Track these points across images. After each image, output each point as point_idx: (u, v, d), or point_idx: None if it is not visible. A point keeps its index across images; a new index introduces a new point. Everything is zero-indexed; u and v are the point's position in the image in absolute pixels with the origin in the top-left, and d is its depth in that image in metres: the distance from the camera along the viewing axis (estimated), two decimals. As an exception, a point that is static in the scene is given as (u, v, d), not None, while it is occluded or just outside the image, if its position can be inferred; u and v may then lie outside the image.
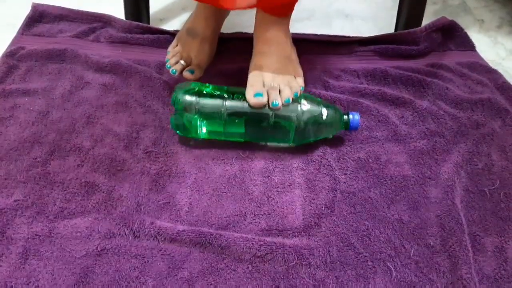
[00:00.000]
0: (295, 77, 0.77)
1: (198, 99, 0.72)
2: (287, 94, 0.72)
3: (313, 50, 0.96)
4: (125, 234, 0.63)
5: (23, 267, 0.59)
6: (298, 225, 0.65)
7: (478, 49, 1.00)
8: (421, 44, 0.98)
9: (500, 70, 0.94)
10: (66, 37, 0.96)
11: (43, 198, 0.67)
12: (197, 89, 0.74)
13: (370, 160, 0.75)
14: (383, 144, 0.77)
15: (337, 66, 0.93)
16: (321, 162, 0.73)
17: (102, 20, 1.00)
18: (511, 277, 0.61)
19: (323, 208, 0.67)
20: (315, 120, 0.73)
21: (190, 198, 0.68)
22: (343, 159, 0.75)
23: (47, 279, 0.58)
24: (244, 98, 0.72)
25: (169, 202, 0.68)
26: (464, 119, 0.82)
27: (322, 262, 0.61)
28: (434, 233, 0.65)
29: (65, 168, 0.71)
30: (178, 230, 0.63)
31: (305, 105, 0.73)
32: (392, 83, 0.89)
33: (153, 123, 0.79)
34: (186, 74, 0.86)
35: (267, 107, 0.71)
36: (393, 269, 0.61)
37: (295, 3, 0.77)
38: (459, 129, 0.80)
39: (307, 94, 0.77)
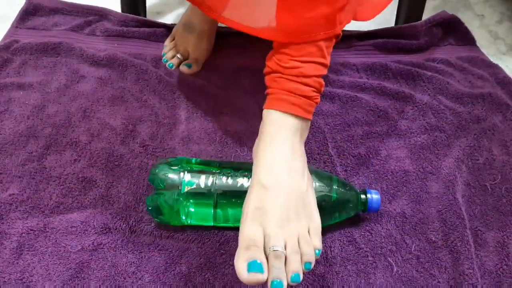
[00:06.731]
0: (309, 231, 0.52)
1: (183, 175, 0.61)
2: (296, 269, 0.48)
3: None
4: (121, 229, 0.62)
5: (17, 262, 0.58)
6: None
7: (478, 44, 0.99)
8: (421, 38, 0.97)
9: (501, 66, 0.93)
10: (61, 30, 0.94)
11: (38, 192, 0.66)
12: (181, 164, 0.63)
13: (371, 156, 0.74)
14: (383, 139, 0.77)
15: (337, 61, 0.92)
16: (321, 159, 0.72)
17: (98, 13, 0.99)
18: (513, 273, 0.60)
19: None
20: (325, 206, 0.60)
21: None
22: (344, 155, 0.74)
23: (42, 274, 0.57)
24: (239, 175, 0.61)
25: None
26: (464, 114, 0.81)
27: (323, 257, 0.60)
28: (436, 228, 0.64)
29: (62, 163, 0.70)
30: (176, 226, 0.62)
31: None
32: (392, 78, 0.88)
33: (150, 118, 0.77)
34: (183, 68, 0.85)
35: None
36: (394, 264, 0.60)
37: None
38: (459, 124, 0.79)
39: (315, 170, 0.64)
